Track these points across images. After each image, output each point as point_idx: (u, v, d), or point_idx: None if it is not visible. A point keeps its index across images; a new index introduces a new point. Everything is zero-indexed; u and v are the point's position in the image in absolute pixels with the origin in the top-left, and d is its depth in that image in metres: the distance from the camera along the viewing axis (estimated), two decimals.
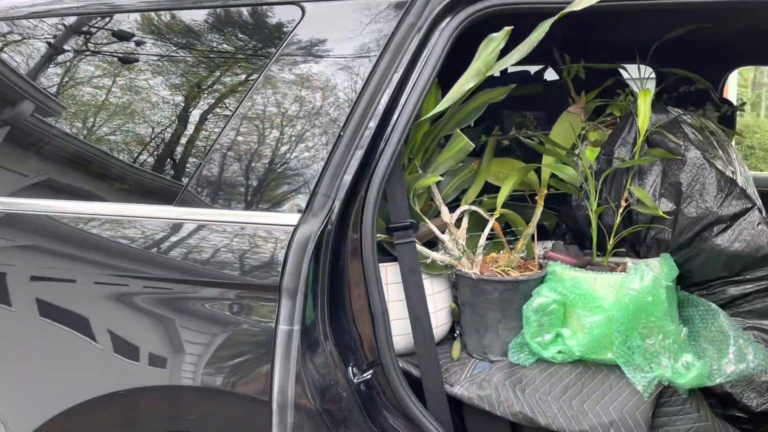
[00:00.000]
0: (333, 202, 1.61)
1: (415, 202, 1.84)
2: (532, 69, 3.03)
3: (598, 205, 1.90)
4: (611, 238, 1.90)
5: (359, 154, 1.63)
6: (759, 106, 13.66)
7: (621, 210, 1.89)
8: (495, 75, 3.08)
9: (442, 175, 2.00)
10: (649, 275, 1.66)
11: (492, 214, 1.98)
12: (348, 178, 1.62)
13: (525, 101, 2.77)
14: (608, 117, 2.05)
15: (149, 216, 1.66)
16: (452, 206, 2.05)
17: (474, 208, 1.98)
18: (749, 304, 1.78)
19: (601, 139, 2.01)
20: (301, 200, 1.62)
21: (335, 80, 1.67)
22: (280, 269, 1.55)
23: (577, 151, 1.99)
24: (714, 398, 1.76)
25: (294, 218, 1.60)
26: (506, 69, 3.08)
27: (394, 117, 1.65)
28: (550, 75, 2.98)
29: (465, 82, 1.59)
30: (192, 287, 1.59)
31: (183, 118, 1.76)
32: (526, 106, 2.74)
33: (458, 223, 1.96)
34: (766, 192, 2.34)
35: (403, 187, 1.75)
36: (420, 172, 1.85)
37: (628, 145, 1.94)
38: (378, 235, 1.81)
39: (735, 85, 10.15)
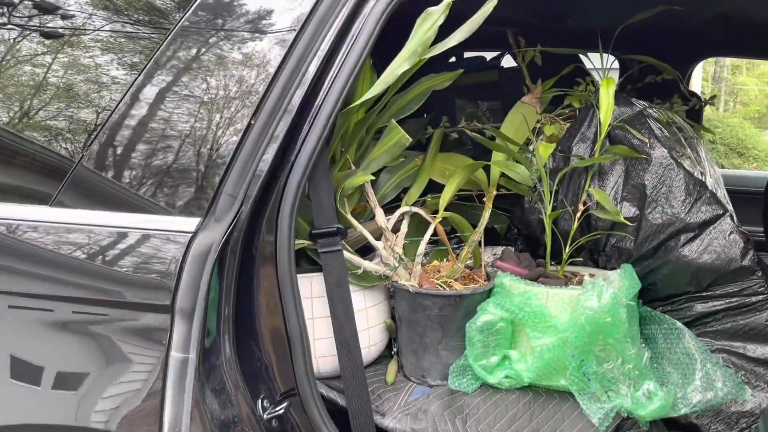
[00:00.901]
0: (241, 204, 1.35)
1: (345, 203, 1.59)
2: (489, 55, 2.81)
3: (554, 208, 1.69)
4: (567, 246, 1.69)
5: (274, 147, 1.37)
6: (719, 101, 13.77)
7: (578, 214, 1.68)
8: (444, 60, 2.88)
9: (376, 173, 1.76)
10: (609, 292, 1.45)
11: (435, 217, 1.75)
12: (260, 174, 1.36)
13: (479, 90, 2.54)
14: (566, 109, 1.83)
15: (17, 218, 1.37)
16: (392, 207, 1.82)
17: (415, 209, 1.75)
18: (718, 323, 1.59)
19: (558, 133, 1.79)
20: (202, 202, 1.35)
21: (245, 58, 1.41)
22: (172, 285, 1.29)
23: (531, 147, 1.77)
24: (678, 430, 1.57)
25: (192, 223, 1.33)
26: (460, 54, 2.88)
27: (317, 102, 1.40)
28: (509, 62, 2.76)
29: (398, 64, 1.35)
30: (66, 305, 1.32)
31: (58, 103, 1.48)
32: (481, 95, 2.51)
33: (397, 228, 1.72)
34: (734, 191, 2.15)
35: (329, 186, 1.50)
36: (352, 168, 1.60)
37: (587, 141, 1.72)
38: (300, 241, 1.57)
39: (699, 78, 10.13)
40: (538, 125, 1.80)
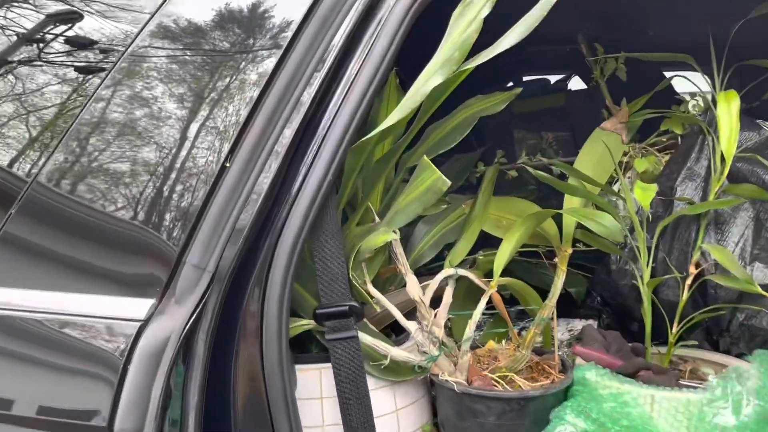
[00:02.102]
0: (211, 278, 0.97)
1: (364, 269, 1.17)
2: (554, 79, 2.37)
3: (653, 272, 1.22)
4: (675, 324, 1.22)
5: (258, 197, 0.99)
6: None
7: (689, 281, 1.21)
8: (497, 83, 2.43)
9: (409, 226, 1.35)
10: (751, 404, 0.97)
11: (490, 282, 1.31)
12: (239, 236, 0.97)
13: (543, 118, 2.11)
14: (663, 136, 1.37)
15: None
16: (433, 269, 1.40)
17: (462, 272, 1.32)
18: None
19: (654, 169, 1.34)
20: (157, 276, 0.97)
21: (218, 80, 1.04)
22: (110, 400, 0.90)
23: (617, 188, 1.32)
24: None
25: (141, 308, 0.94)
26: (518, 77, 2.44)
27: (318, 133, 1.01)
28: (578, 85, 2.32)
29: (428, 77, 0.94)
30: None
31: None
32: (545, 124, 2.07)
33: (438, 298, 1.29)
34: None
35: (338, 248, 1.09)
36: (376, 221, 1.19)
37: (697, 179, 1.26)
38: (302, 322, 1.16)
39: None
40: (626, 159, 1.35)
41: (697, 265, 1.22)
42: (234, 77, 1.03)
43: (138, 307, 0.95)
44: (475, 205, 1.44)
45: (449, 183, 1.04)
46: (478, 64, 0.99)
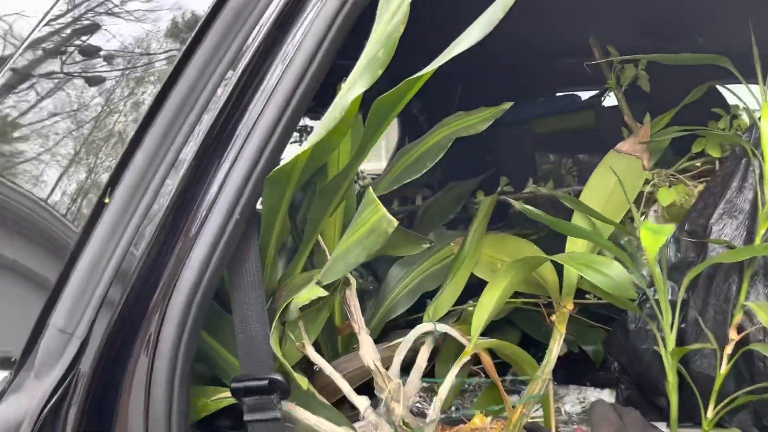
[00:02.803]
0: (82, 345, 0.76)
1: (302, 328, 0.93)
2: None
3: (682, 336, 0.95)
4: (712, 404, 0.93)
5: (145, 240, 0.78)
6: None
7: (729, 349, 0.92)
8: (526, 102, 2.18)
9: (384, 269, 1.11)
10: None
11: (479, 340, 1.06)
12: (120, 289, 0.77)
13: (569, 139, 1.84)
14: (697, 161, 1.09)
15: None
16: (409, 322, 1.16)
17: (444, 328, 1.07)
18: None
19: (685, 202, 1.06)
20: (11, 342, 0.77)
21: (97, 95, 0.83)
22: None
23: (635, 227, 1.05)
24: None
25: None
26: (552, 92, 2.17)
27: (227, 154, 0.80)
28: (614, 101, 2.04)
29: (350, 86, 0.70)
30: None
31: None
32: (572, 145, 1.80)
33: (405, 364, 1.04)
34: None
35: (260, 303, 0.86)
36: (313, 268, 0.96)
37: (739, 216, 0.98)
38: (223, 395, 0.92)
39: None
40: (648, 189, 1.07)
41: (740, 329, 0.93)
42: (119, 88, 0.82)
43: None
44: (465, 243, 1.19)
45: (395, 223, 0.80)
46: (432, 70, 0.75)
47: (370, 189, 0.84)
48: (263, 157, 0.79)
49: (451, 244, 1.23)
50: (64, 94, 0.84)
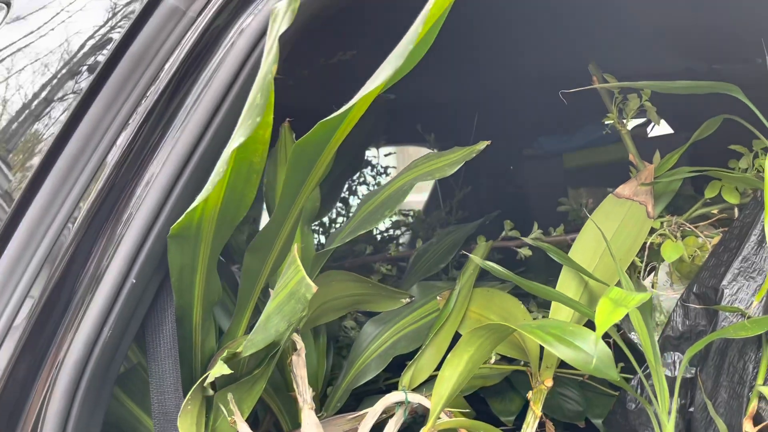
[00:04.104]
0: None
1: (230, 399, 0.82)
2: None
3: (691, 425, 0.77)
4: None
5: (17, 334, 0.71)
6: None
7: None
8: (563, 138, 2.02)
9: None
10: None
11: (453, 413, 0.93)
12: None
13: (601, 173, 1.67)
14: (714, 208, 0.91)
15: None
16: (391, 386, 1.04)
17: (417, 398, 0.94)
18: None
19: (698, 258, 0.88)
20: None
21: None
22: None
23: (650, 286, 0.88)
24: None
25: None
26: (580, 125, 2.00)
27: (123, 217, 0.72)
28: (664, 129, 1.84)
29: (233, 137, 0.60)
30: None
31: None
32: (603, 181, 1.63)
33: None
34: None
35: (174, 375, 0.77)
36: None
37: (758, 277, 0.80)
38: None
39: None
40: (653, 240, 0.91)
41: (757, 419, 0.75)
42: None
43: None
44: (451, 298, 1.05)
45: (314, 288, 0.68)
46: (346, 110, 0.64)
47: (294, 248, 0.73)
48: (162, 215, 0.70)
49: (438, 298, 1.10)
50: None
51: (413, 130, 1.66)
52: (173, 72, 0.71)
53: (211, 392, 0.78)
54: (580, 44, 1.30)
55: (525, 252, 1.23)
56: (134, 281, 0.70)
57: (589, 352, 0.74)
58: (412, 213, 1.80)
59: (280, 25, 0.55)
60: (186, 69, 0.71)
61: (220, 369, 0.71)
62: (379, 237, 1.76)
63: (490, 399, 1.16)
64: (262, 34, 0.71)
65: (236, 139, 0.58)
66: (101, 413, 0.74)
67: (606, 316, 0.59)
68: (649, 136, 1.79)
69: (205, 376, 0.77)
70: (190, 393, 0.75)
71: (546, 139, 1.77)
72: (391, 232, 1.80)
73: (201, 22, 0.72)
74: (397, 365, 1.06)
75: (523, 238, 1.13)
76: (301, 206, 0.79)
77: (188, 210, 0.66)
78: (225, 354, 0.75)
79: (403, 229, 1.70)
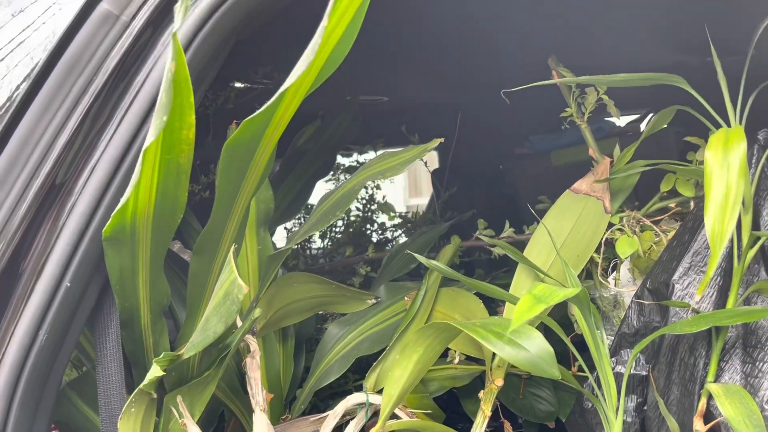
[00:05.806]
0: None
1: (179, 401, 0.82)
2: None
3: (645, 425, 0.76)
4: None
5: None
6: None
7: None
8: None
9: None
10: None
11: (415, 413, 0.92)
12: None
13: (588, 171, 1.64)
14: (671, 201, 0.89)
15: None
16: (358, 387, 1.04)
17: (377, 399, 0.94)
18: None
19: (654, 253, 0.86)
20: None
21: None
22: None
23: (591, 289, 0.87)
24: None
25: None
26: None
27: (59, 219, 0.72)
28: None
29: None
30: None
31: None
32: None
33: None
34: None
35: (119, 377, 0.77)
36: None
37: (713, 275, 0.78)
38: None
39: None
40: (611, 236, 0.89)
41: (707, 417, 0.73)
42: None
43: None
44: (416, 299, 1.05)
45: (246, 289, 0.68)
46: (262, 111, 0.64)
47: (232, 251, 0.73)
48: (96, 219, 0.71)
49: (405, 298, 1.09)
50: None
51: (398, 131, 1.65)
52: (108, 75, 0.71)
53: (154, 395, 0.78)
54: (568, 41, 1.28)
55: (498, 251, 1.21)
56: (69, 285, 0.70)
57: (530, 350, 0.73)
58: (411, 215, 1.79)
59: (175, 24, 0.56)
60: (120, 72, 0.72)
61: (154, 372, 0.71)
62: (377, 239, 1.75)
63: (463, 399, 1.15)
64: (195, 35, 0.71)
65: (147, 140, 0.59)
66: (46, 416, 0.75)
67: (523, 312, 0.58)
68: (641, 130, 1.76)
69: (154, 378, 0.77)
70: (132, 395, 0.76)
71: (535, 138, 1.76)
72: (389, 234, 1.79)
73: (135, 26, 0.73)
74: (367, 366, 1.06)
75: (483, 237, 1.11)
76: (243, 207, 0.80)
77: (114, 212, 0.66)
78: (162, 356, 0.75)
79: (403, 230, 1.70)
